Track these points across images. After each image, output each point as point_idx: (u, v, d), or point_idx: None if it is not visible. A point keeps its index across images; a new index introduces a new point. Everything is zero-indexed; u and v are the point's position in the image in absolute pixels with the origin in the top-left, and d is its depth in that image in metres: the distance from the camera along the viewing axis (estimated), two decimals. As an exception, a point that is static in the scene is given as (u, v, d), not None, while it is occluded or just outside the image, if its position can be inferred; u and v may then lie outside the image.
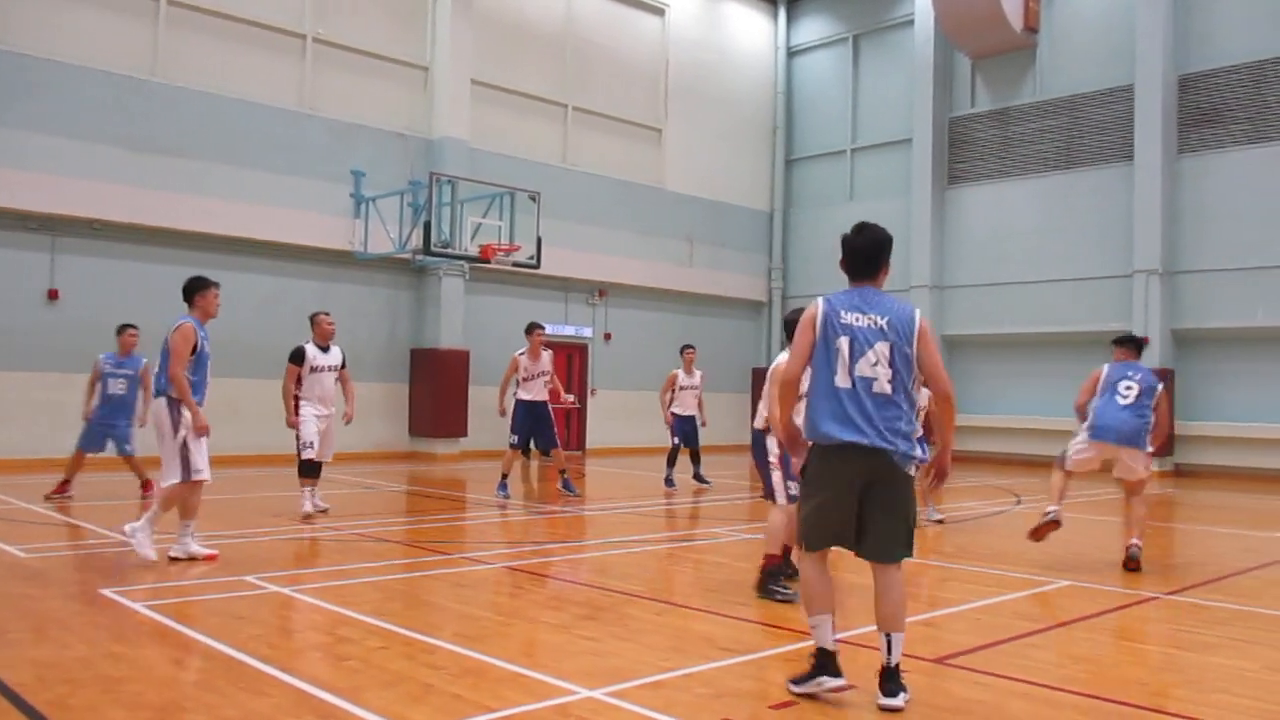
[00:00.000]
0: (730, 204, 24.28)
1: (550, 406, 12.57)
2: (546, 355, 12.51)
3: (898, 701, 4.21)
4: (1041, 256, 20.61)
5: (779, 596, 6.43)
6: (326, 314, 10.41)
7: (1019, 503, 13.20)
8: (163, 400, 7.42)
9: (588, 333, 21.45)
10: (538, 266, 17.82)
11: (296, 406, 9.98)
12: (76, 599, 6.10)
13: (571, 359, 21.25)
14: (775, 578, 6.56)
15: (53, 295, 14.76)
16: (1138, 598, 6.84)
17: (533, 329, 12.52)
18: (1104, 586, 7.20)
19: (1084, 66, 20.38)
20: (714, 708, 4.20)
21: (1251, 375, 18.18)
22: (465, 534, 9.93)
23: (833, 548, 4.50)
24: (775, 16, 25.46)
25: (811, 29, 25.23)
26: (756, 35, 25.11)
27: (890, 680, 4.26)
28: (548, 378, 12.50)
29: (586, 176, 21.20)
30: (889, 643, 4.30)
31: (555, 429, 12.69)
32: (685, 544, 8.98)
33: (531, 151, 20.25)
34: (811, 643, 4.45)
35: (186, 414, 7.40)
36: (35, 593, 6.30)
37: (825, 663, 4.34)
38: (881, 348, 4.34)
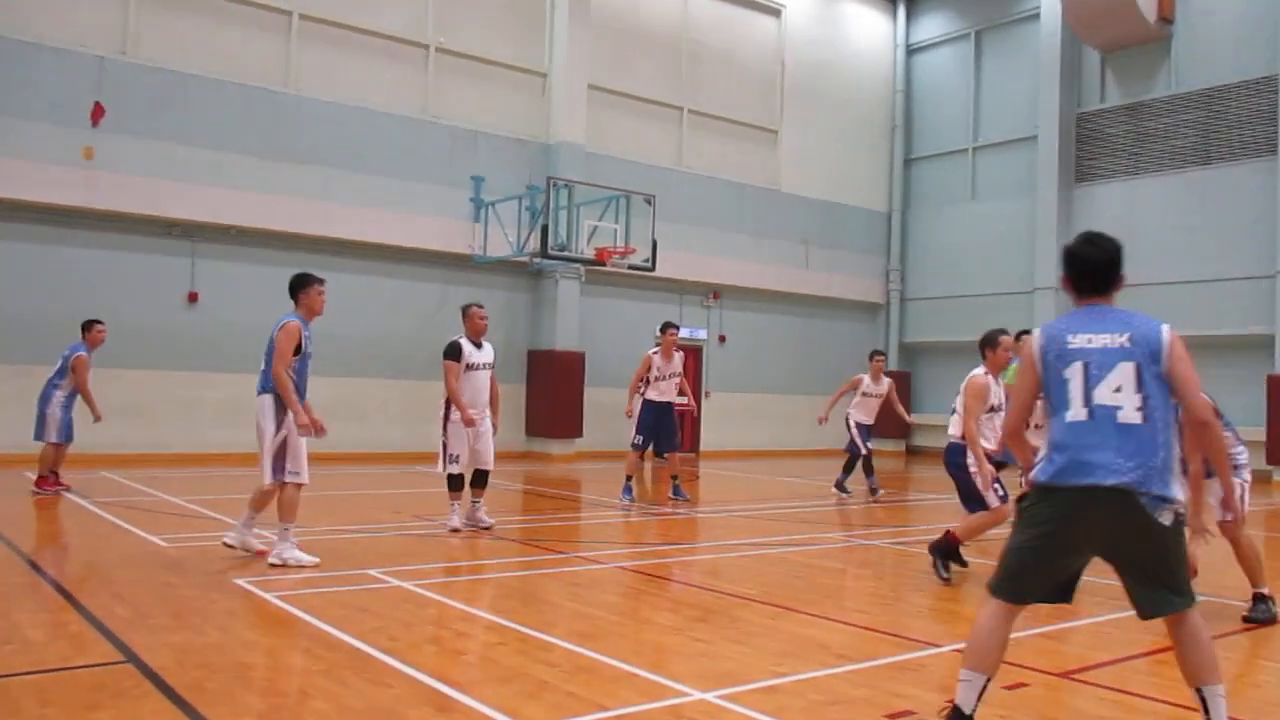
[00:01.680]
0: (847, 205, 23.94)
1: (676, 409, 12.39)
2: (678, 356, 12.27)
3: None
4: (1178, 256, 19.71)
5: (941, 575, 7.21)
6: (480, 306, 9.49)
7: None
8: (268, 398, 7.31)
9: (702, 335, 21.44)
10: (652, 269, 17.90)
11: (458, 407, 9.03)
12: (212, 588, 6.38)
13: (686, 361, 21.20)
14: (948, 554, 7.31)
15: (192, 298, 15.50)
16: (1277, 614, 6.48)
17: (666, 328, 12.29)
18: (1240, 602, 6.85)
19: (1222, 57, 19.43)
20: (827, 715, 4.15)
21: None
22: (580, 534, 10.04)
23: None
24: (894, 14, 25.02)
25: (932, 26, 24.70)
26: (875, 34, 24.71)
27: None
28: (679, 379, 12.27)
29: (701, 179, 21.19)
30: (1202, 700, 3.59)
31: (679, 432, 12.61)
32: (801, 549, 8.89)
33: (647, 155, 20.36)
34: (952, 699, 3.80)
35: (290, 413, 7.27)
36: (174, 580, 6.61)
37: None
38: (1126, 369, 3.65)
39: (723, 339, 21.76)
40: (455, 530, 9.01)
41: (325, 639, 5.19)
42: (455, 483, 9.18)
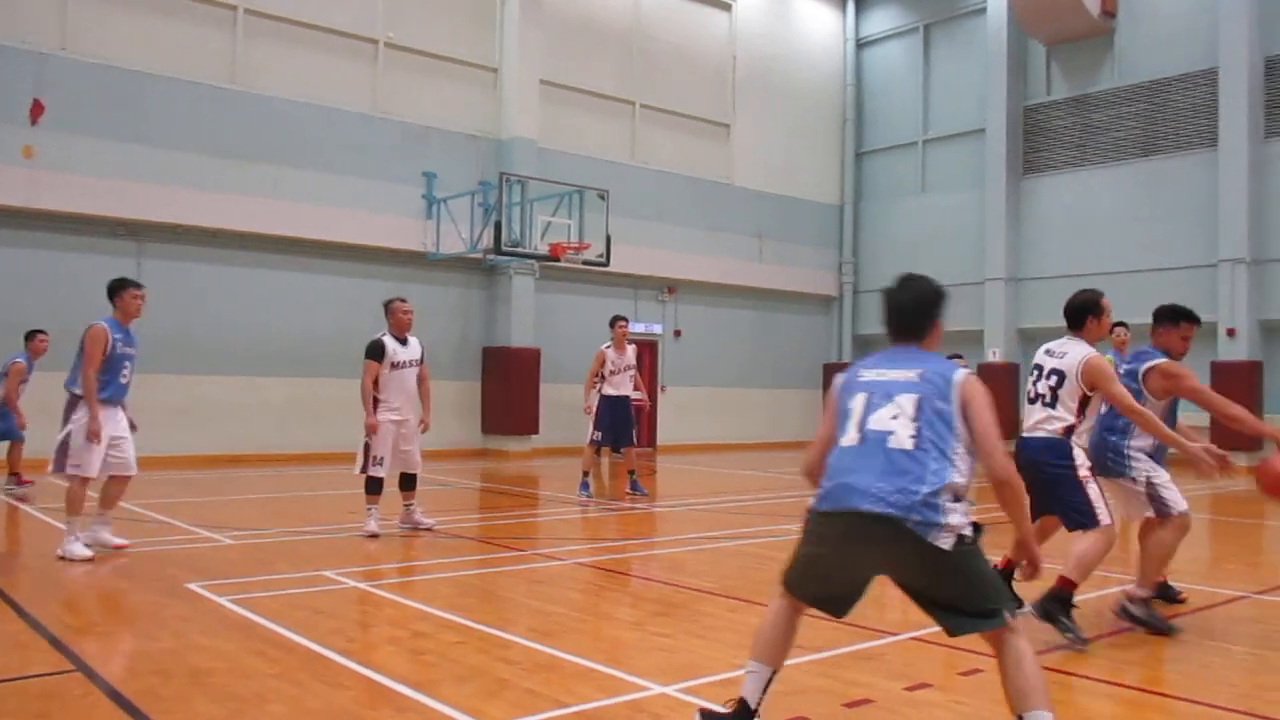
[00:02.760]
0: (800, 198, 24.10)
1: (632, 403, 12.37)
2: (631, 349, 12.25)
3: None
4: (1122, 246, 20.08)
5: (1078, 637, 5.32)
6: (403, 300, 9.16)
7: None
8: (69, 396, 7.56)
9: (658, 329, 21.47)
10: (607, 264, 17.88)
11: (376, 407, 8.84)
12: (165, 593, 6.28)
13: (641, 356, 21.20)
14: (1066, 605, 5.46)
15: (139, 299, 15.23)
16: (1225, 597, 6.64)
17: (616, 321, 12.22)
18: (1190, 585, 7.00)
19: (1165, 50, 19.80)
20: (788, 705, 4.18)
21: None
22: (538, 530, 10.01)
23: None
24: (844, 8, 25.19)
25: (881, 20, 24.91)
26: (825, 28, 24.87)
27: None
28: (633, 372, 12.26)
29: (655, 174, 21.21)
30: None
31: (635, 427, 12.63)
32: (758, 541, 8.94)
33: (600, 150, 20.33)
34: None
35: (82, 413, 7.43)
36: (125, 586, 6.50)
37: (738, 712, 3.66)
38: (905, 400, 3.55)
39: (678, 333, 21.81)
40: (373, 535, 8.61)
41: (281, 642, 5.13)
42: (374, 485, 8.87)
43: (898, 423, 3.52)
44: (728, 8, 22.71)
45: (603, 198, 17.60)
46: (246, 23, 16.25)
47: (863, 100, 25.13)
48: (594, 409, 12.07)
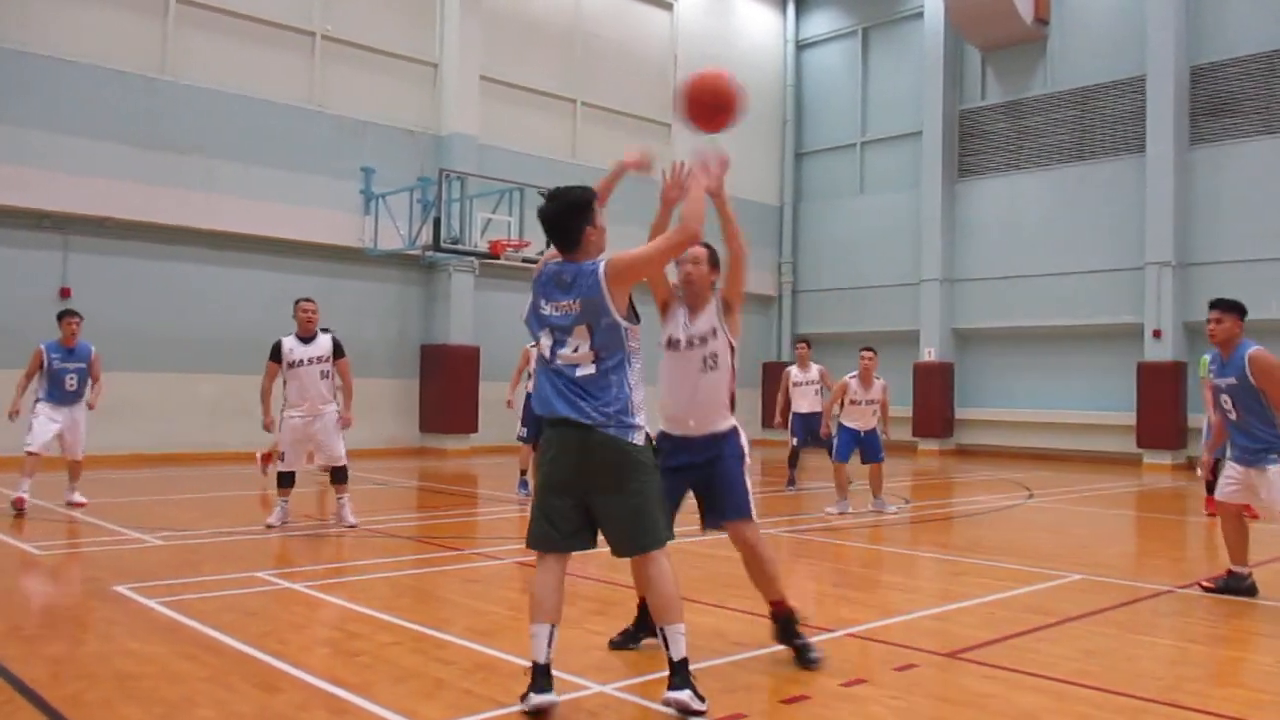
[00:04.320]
0: (740, 198, 24.10)
1: None
2: None
3: (681, 696, 3.89)
4: (1054, 249, 20.52)
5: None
6: (308, 300, 9.37)
7: (1030, 496, 13.16)
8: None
9: (598, 328, 21.41)
10: (547, 262, 17.78)
11: (269, 408, 9.18)
12: (91, 595, 6.12)
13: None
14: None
15: (65, 293, 14.82)
16: (1148, 591, 6.81)
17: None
18: (1115, 580, 7.18)
19: (1095, 58, 20.28)
20: (726, 702, 4.19)
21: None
22: (476, 529, 9.95)
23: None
24: (784, 10, 25.39)
25: (820, 22, 25.15)
26: (765, 29, 25.05)
27: (674, 674, 3.95)
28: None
29: (596, 171, 20.93)
30: (663, 636, 3.98)
31: None
32: (696, 539, 8.97)
33: (541, 147, 20.25)
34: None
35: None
36: (50, 589, 6.33)
37: (535, 677, 3.96)
38: (581, 331, 4.05)
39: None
40: (271, 527, 8.89)
41: (211, 644, 5.03)
42: (282, 480, 9.11)
43: (580, 353, 4.04)
44: (669, 7, 22.76)
45: (543, 195, 17.48)
46: (178, 11, 15.91)
47: (802, 101, 25.37)
48: (519, 406, 11.99)
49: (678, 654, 3.95)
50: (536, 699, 3.94)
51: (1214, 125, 18.79)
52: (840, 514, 10.48)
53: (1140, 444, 18.69)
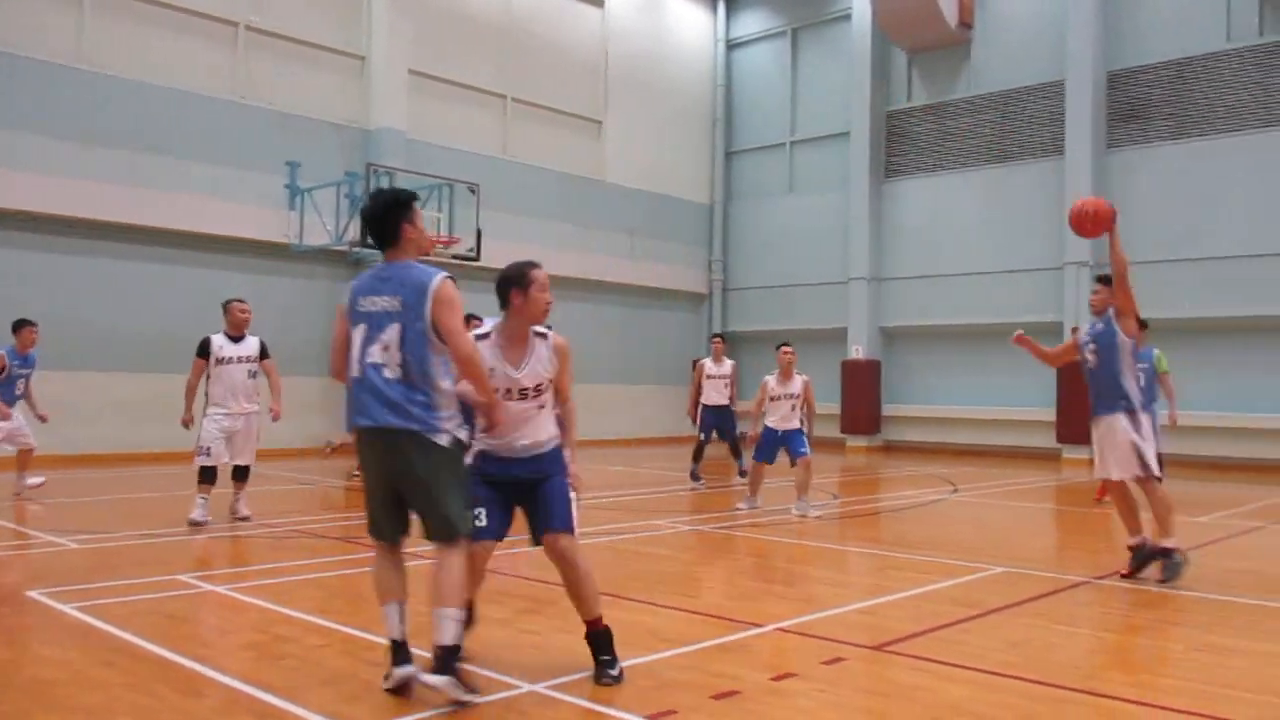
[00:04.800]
0: (671, 196, 24.32)
1: None
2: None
3: (438, 680, 3.97)
4: (977, 249, 20.96)
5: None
6: (241, 300, 9.54)
7: (955, 491, 13.42)
8: None
9: (528, 325, 21.31)
10: (477, 259, 17.68)
11: (191, 404, 9.27)
12: (2, 601, 5.92)
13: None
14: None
15: (-25, 289, 14.32)
16: (1068, 582, 7.00)
17: (469, 320, 12.26)
18: (1036, 572, 7.36)
19: (1017, 62, 20.75)
20: (657, 699, 4.21)
21: (1179, 365, 18.59)
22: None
23: None
24: (714, 10, 25.54)
25: (750, 22, 25.35)
26: (696, 28, 25.16)
27: (436, 659, 4.03)
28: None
29: (526, 168, 21.08)
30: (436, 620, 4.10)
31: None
32: (628, 537, 8.99)
33: (470, 143, 20.09)
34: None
35: None
36: (-42, 595, 6.11)
37: (394, 653, 4.22)
38: (393, 331, 4.16)
39: (549, 329, 21.69)
40: (195, 524, 8.90)
41: (132, 650, 4.90)
42: (205, 475, 9.16)
43: (389, 354, 4.17)
44: (600, 5, 22.74)
45: (473, 191, 17.40)
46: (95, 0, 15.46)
47: (732, 101, 25.54)
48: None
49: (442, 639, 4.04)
50: (398, 672, 4.16)
51: (1129, 130, 19.35)
52: (749, 509, 10.52)
53: (1060, 439, 19.17)
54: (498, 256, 19.45)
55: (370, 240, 4.37)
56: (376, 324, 4.19)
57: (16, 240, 14.69)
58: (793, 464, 10.38)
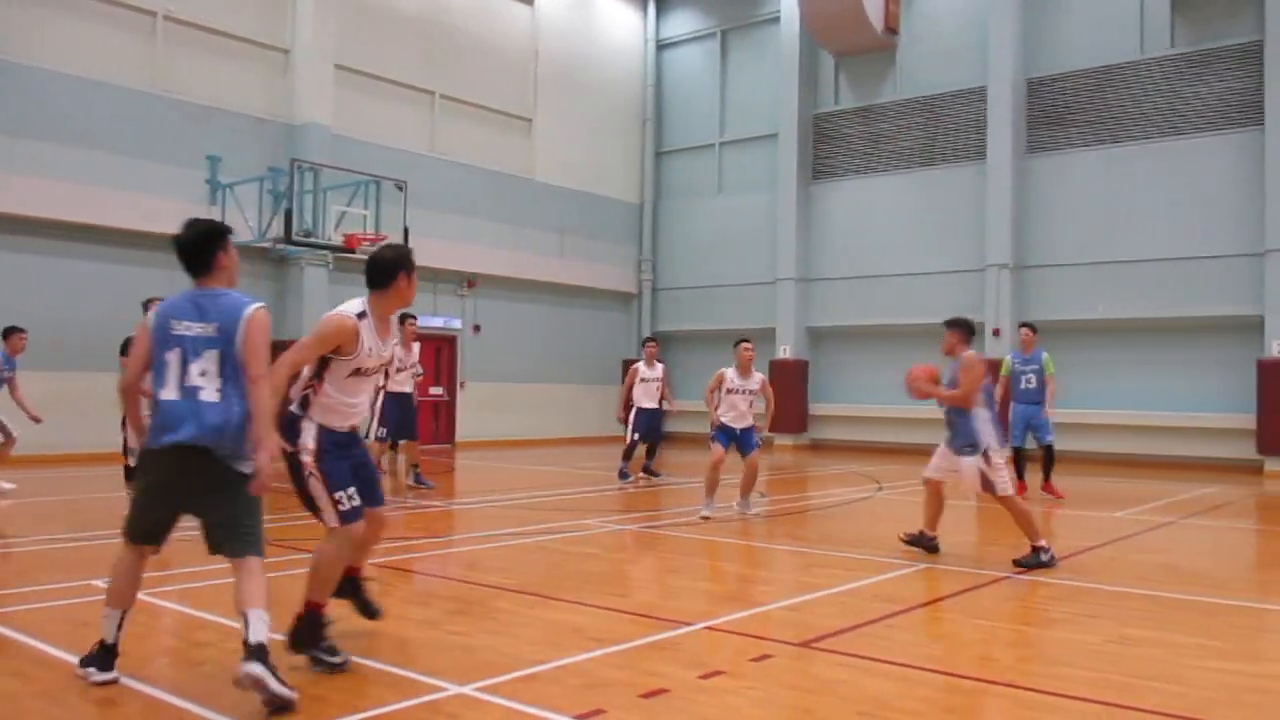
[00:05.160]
0: (601, 195, 24.31)
1: (415, 399, 12.46)
2: (416, 347, 12.42)
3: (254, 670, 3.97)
4: (902, 250, 21.32)
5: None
6: (160, 300, 9.63)
7: (880, 489, 13.62)
8: None
9: (456, 324, 21.16)
10: (405, 257, 17.44)
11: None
12: (-98, 609, 5.69)
13: (440, 351, 20.94)
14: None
15: (-126, 284, 13.74)
16: (990, 578, 7.14)
17: (404, 319, 12.13)
18: (959, 569, 7.50)
19: (941, 68, 21.15)
20: (586, 698, 4.20)
21: (1095, 365, 19.19)
22: (330, 531, 9.65)
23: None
24: (645, 9, 25.59)
25: (680, 23, 25.45)
26: (626, 28, 25.18)
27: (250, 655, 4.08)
28: (417, 369, 12.37)
29: (455, 166, 20.89)
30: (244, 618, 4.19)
31: (417, 422, 12.65)
32: (555, 536, 8.95)
33: (398, 139, 19.84)
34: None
35: None
36: None
37: (103, 656, 4.37)
38: (211, 356, 4.32)
39: (478, 328, 21.56)
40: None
41: (41, 658, 4.74)
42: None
43: (207, 379, 4.29)
44: (530, 2, 22.64)
45: (400, 188, 17.19)
46: (5, -15, 14.93)
47: (662, 101, 25.62)
48: (379, 405, 11.92)
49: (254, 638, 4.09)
50: (99, 675, 4.32)
51: (1049, 135, 19.85)
52: (707, 518, 9.96)
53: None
54: (426, 255, 19.23)
55: (184, 267, 4.60)
56: (193, 348, 4.31)
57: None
58: (743, 455, 10.13)
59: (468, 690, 4.30)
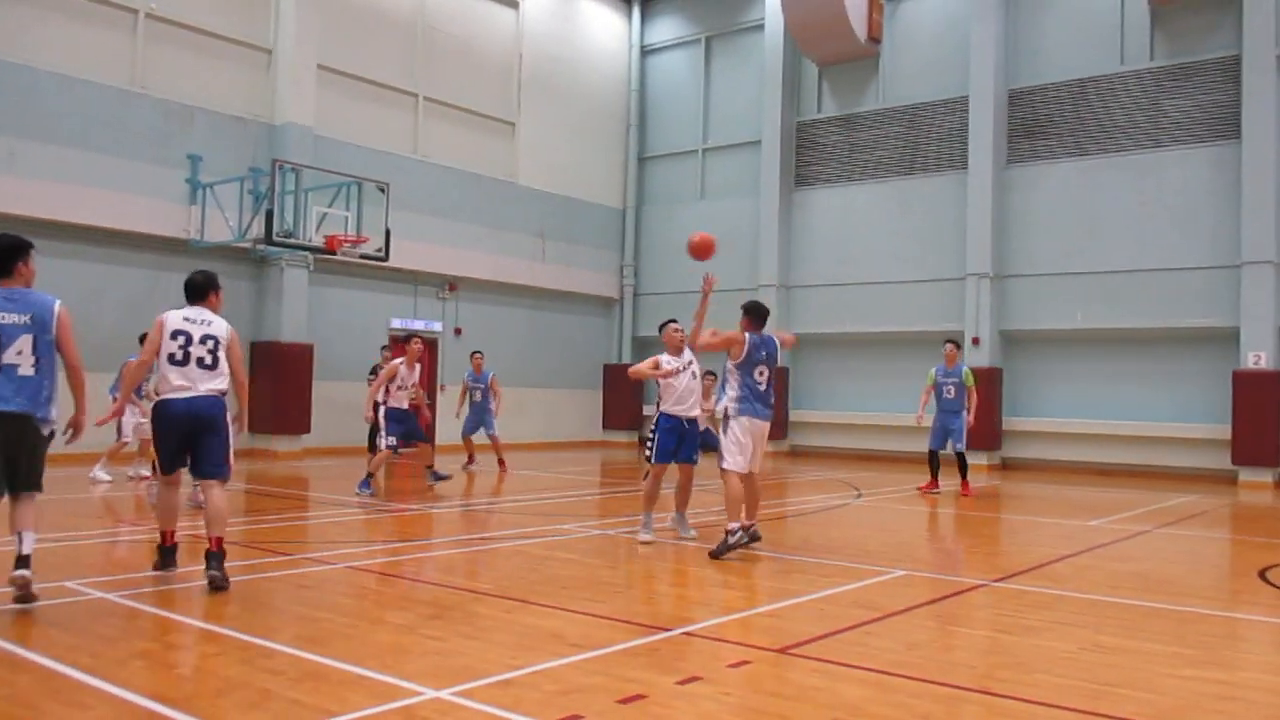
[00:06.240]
0: (583, 200, 24.31)
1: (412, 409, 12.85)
2: (419, 366, 12.75)
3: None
4: (883, 259, 21.41)
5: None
6: None
7: (859, 496, 13.67)
8: None
9: (437, 327, 21.11)
10: (386, 259, 17.42)
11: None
12: None
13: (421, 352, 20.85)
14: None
15: None
16: (966, 585, 7.18)
17: (411, 338, 12.80)
18: (936, 575, 7.53)
19: (923, 77, 21.27)
20: (562, 704, 4.19)
21: (1071, 375, 19.36)
22: (307, 534, 9.62)
23: None
24: (629, 15, 25.63)
25: (665, 29, 25.50)
26: (611, 33, 25.21)
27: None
28: (415, 389, 12.68)
29: (438, 168, 20.85)
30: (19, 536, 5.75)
31: (420, 428, 13.18)
32: (534, 541, 8.94)
33: (381, 141, 19.79)
34: None
35: None
36: None
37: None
38: (25, 340, 5.64)
39: (459, 331, 21.52)
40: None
41: (10, 660, 4.69)
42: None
43: (23, 357, 5.65)
44: (515, 6, 22.64)
45: (382, 190, 17.14)
46: (-16, -20, 14.80)
47: (646, 106, 25.65)
48: (381, 418, 12.31)
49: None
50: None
51: (1029, 146, 20.00)
52: (648, 543, 8.74)
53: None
54: (408, 257, 19.28)
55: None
56: (8, 334, 5.62)
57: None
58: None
59: (444, 695, 4.28)
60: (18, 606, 5.67)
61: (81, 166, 15.52)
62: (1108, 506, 12.97)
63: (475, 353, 16.42)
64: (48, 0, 15.47)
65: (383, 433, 12.27)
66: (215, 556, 6.33)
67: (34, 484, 5.81)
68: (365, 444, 16.50)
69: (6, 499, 5.75)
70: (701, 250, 8.59)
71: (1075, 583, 7.30)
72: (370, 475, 12.07)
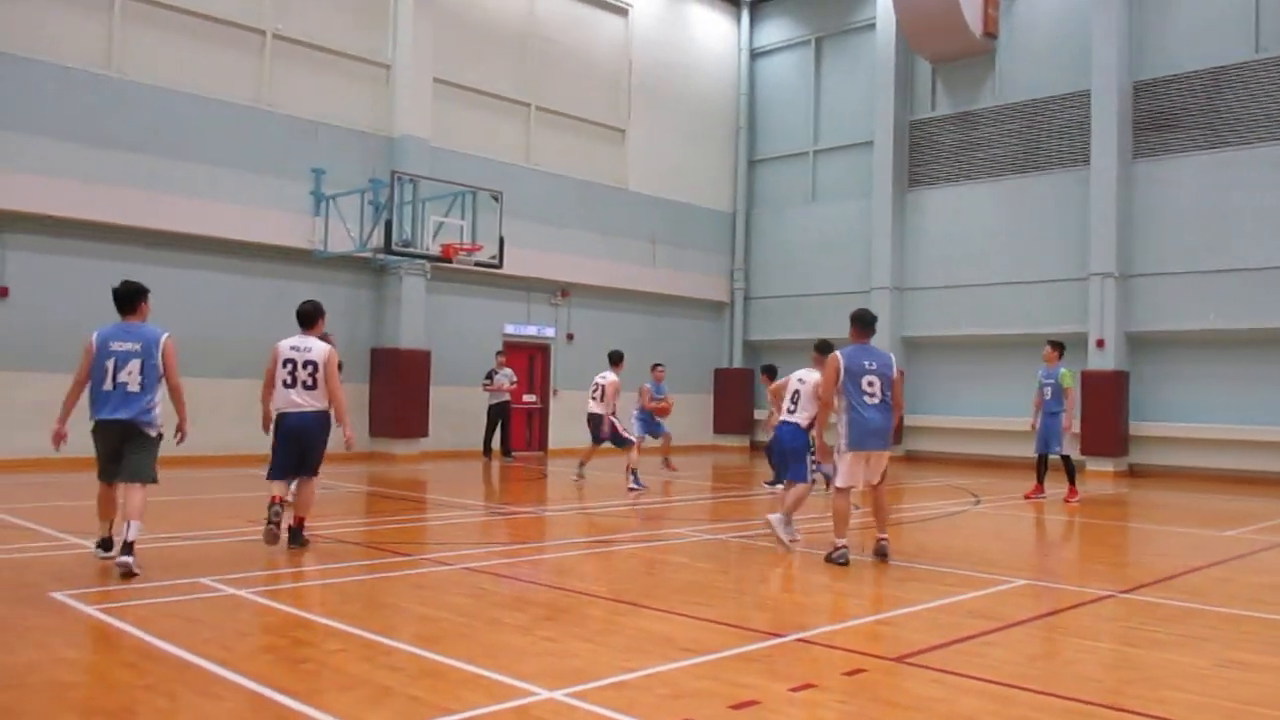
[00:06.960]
0: (693, 204, 24.33)
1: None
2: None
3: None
4: (1000, 259, 20.84)
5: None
6: None
7: (978, 502, 13.33)
8: None
9: (550, 333, 21.39)
10: (500, 266, 17.74)
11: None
12: (26, 603, 5.98)
13: (534, 359, 21.21)
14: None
15: (2, 293, 14.48)
16: (1091, 596, 6.93)
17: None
18: (1059, 585, 7.29)
19: (1042, 72, 20.64)
20: (674, 708, 4.20)
21: (1204, 378, 18.49)
22: (425, 535, 9.86)
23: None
24: (738, 18, 25.56)
25: (774, 31, 25.35)
26: (719, 36, 25.19)
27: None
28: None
29: (549, 176, 21.14)
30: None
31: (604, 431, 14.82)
32: (647, 545, 8.98)
33: (494, 150, 20.17)
34: None
35: None
36: (-17, 596, 6.16)
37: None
38: (135, 364, 7.01)
39: (571, 337, 21.76)
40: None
41: (152, 652, 4.93)
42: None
43: (130, 376, 7.02)
44: (624, 12, 22.80)
45: (496, 199, 17.47)
46: (125, 7, 15.62)
47: (755, 109, 25.53)
48: (614, 425, 14.55)
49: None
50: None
51: (1156, 139, 19.20)
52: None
53: (1084, 450, 19.00)
54: (521, 264, 19.59)
55: (120, 310, 7.30)
56: (121, 359, 7.00)
57: (35, 244, 14.82)
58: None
59: (558, 696, 4.33)
60: (153, 600, 5.95)
61: (214, 182, 16.25)
62: (1244, 516, 12.35)
63: (656, 365, 17.40)
64: (180, 23, 16.26)
65: (631, 430, 14.79)
66: (296, 531, 8.09)
67: (140, 476, 7.07)
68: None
69: (114, 486, 7.26)
70: None
71: (1209, 596, 6.98)
72: (634, 471, 13.62)
